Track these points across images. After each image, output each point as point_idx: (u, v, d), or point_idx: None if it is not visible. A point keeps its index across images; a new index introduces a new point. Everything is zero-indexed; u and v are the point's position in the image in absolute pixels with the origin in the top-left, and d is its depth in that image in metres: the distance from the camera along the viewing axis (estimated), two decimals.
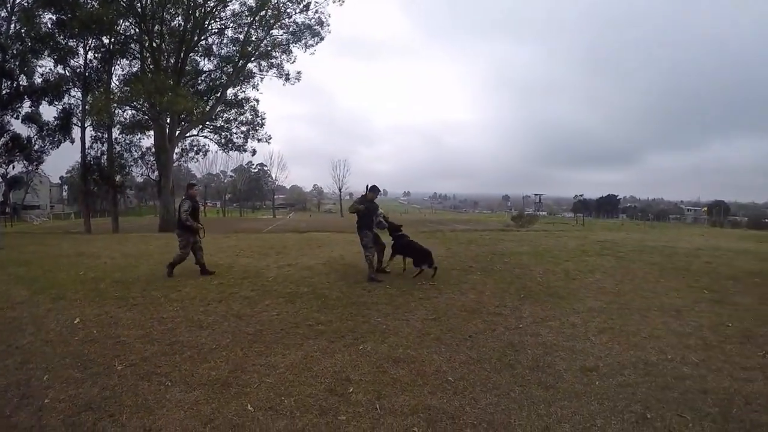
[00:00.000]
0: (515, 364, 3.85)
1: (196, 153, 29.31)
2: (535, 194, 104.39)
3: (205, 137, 27.79)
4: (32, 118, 26.39)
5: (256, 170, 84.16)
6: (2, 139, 26.17)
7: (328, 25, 24.67)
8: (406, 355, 4.04)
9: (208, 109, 25.73)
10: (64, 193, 70.59)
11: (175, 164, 33.01)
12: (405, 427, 2.90)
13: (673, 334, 4.55)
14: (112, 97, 21.04)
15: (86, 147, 25.18)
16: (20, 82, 25.23)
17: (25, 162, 28.21)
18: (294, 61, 25.73)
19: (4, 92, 24.45)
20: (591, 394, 3.31)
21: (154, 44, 23.11)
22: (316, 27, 24.51)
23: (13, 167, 29.70)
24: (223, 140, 27.52)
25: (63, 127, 26.43)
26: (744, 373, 3.62)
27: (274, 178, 76.28)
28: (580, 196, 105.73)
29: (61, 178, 65.41)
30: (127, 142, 26.29)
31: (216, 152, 52.51)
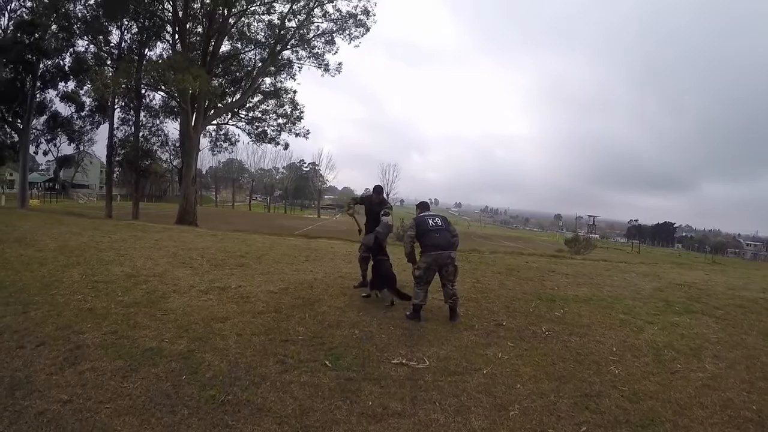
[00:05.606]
0: None
1: (228, 143, 27.74)
2: (589, 215, 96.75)
3: (237, 126, 26.27)
4: (70, 97, 26.04)
5: (308, 168, 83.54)
6: (44, 116, 26.09)
7: (374, 15, 22.40)
8: None
9: (238, 97, 24.14)
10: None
11: (224, 159, 31.86)
12: None
13: None
14: (123, 74, 19.71)
15: (113, 129, 24.32)
16: (62, 62, 24.94)
17: (67, 140, 28.22)
18: (336, 52, 23.74)
19: (43, 70, 24.10)
20: None
21: (187, 26, 21.85)
22: (361, 17, 22.32)
23: (56, 146, 30.00)
24: (255, 131, 25.85)
25: (100, 108, 25.87)
26: None
27: (324, 177, 75.52)
28: (635, 221, 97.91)
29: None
30: (151, 126, 25.25)
31: (255, 146, 51.42)
